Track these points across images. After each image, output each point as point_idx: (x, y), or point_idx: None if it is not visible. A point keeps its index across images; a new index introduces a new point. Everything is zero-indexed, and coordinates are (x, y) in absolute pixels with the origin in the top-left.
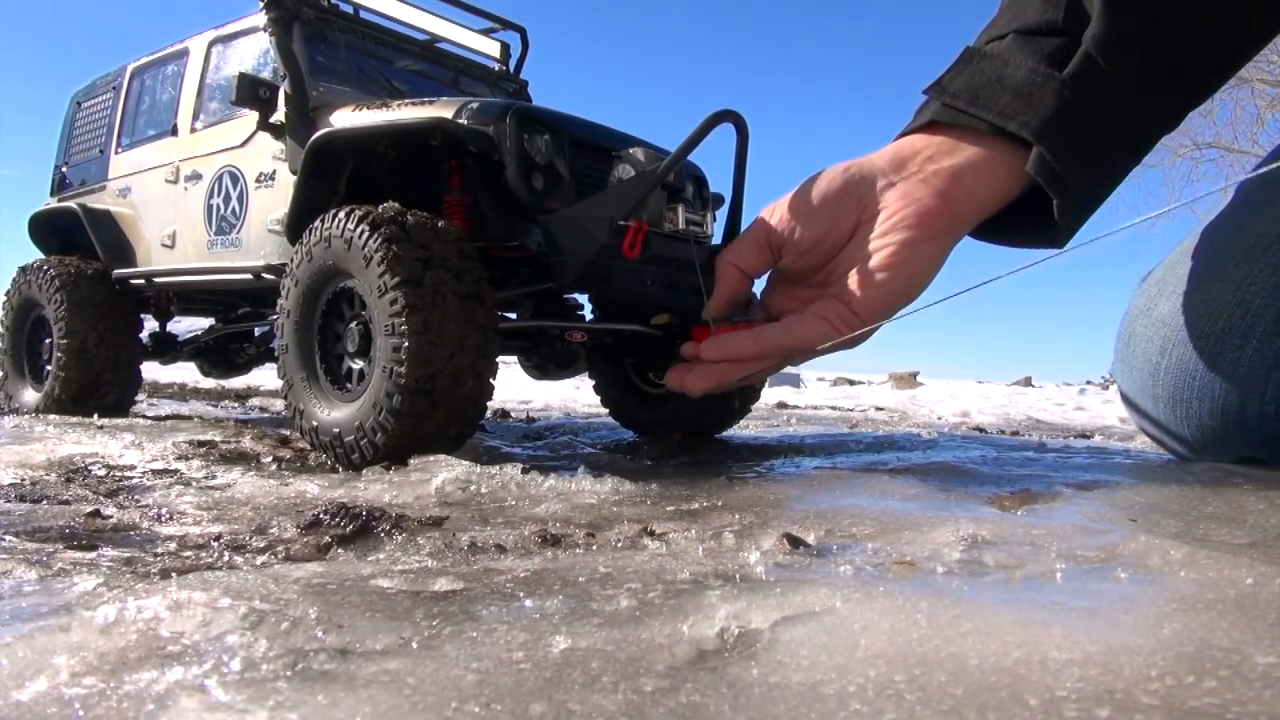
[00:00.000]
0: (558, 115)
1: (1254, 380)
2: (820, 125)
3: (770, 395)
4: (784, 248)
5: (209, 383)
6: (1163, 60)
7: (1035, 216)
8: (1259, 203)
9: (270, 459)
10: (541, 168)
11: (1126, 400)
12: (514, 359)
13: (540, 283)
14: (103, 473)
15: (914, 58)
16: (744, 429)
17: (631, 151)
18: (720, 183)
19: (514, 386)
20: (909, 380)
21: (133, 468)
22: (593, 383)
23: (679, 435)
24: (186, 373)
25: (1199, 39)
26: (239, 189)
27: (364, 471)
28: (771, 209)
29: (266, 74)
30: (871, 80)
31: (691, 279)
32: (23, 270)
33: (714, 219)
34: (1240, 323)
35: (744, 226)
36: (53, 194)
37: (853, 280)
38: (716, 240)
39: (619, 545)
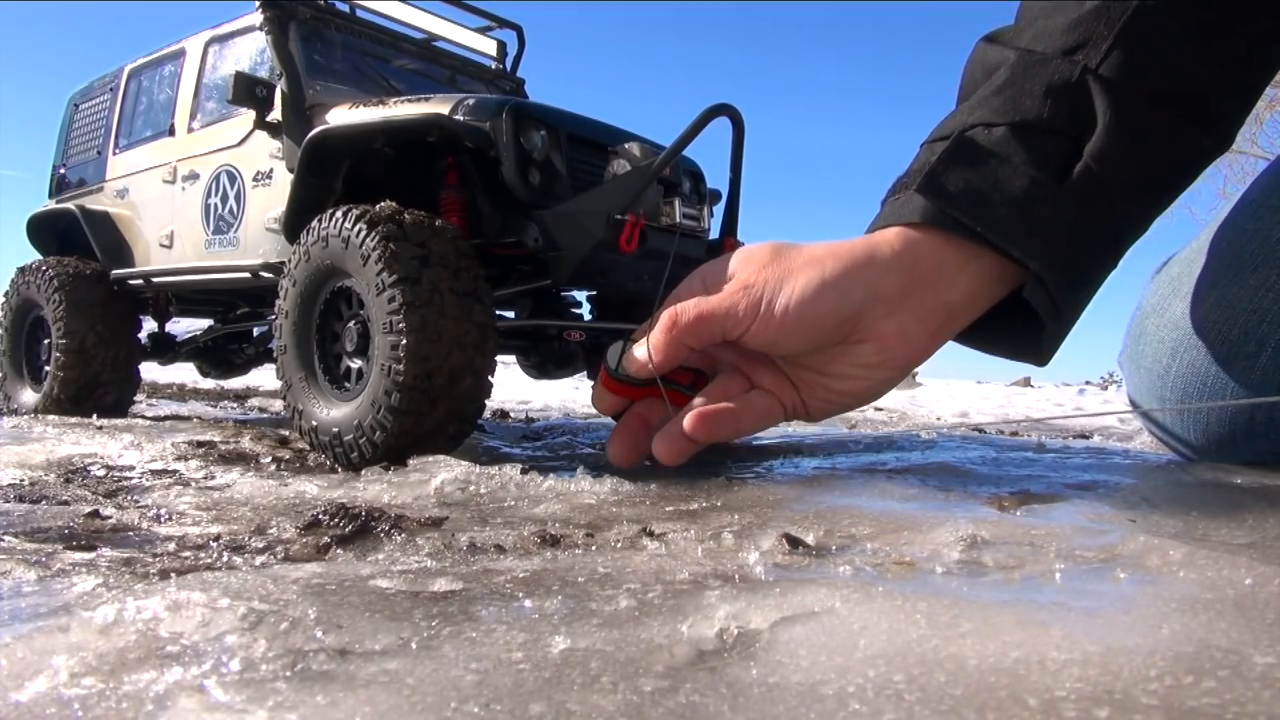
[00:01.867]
0: (554, 111)
1: (1266, 389)
2: (818, 120)
3: None
4: (747, 345)
5: (208, 383)
6: (1156, 175)
7: (1005, 318)
8: (1277, 204)
9: (269, 459)
10: (538, 163)
11: (1132, 398)
12: (512, 359)
13: (538, 280)
14: (102, 473)
15: (913, 52)
16: None
17: (627, 147)
18: (717, 178)
19: (513, 387)
20: (908, 380)
21: (132, 468)
22: (592, 383)
23: None
24: (185, 373)
25: (1189, 152)
26: (236, 188)
27: (363, 472)
28: (752, 308)
29: (263, 73)
30: (869, 73)
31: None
32: (21, 271)
33: (711, 214)
34: (1255, 330)
35: (741, 223)
36: (51, 195)
37: (818, 386)
38: (714, 235)
39: (618, 545)
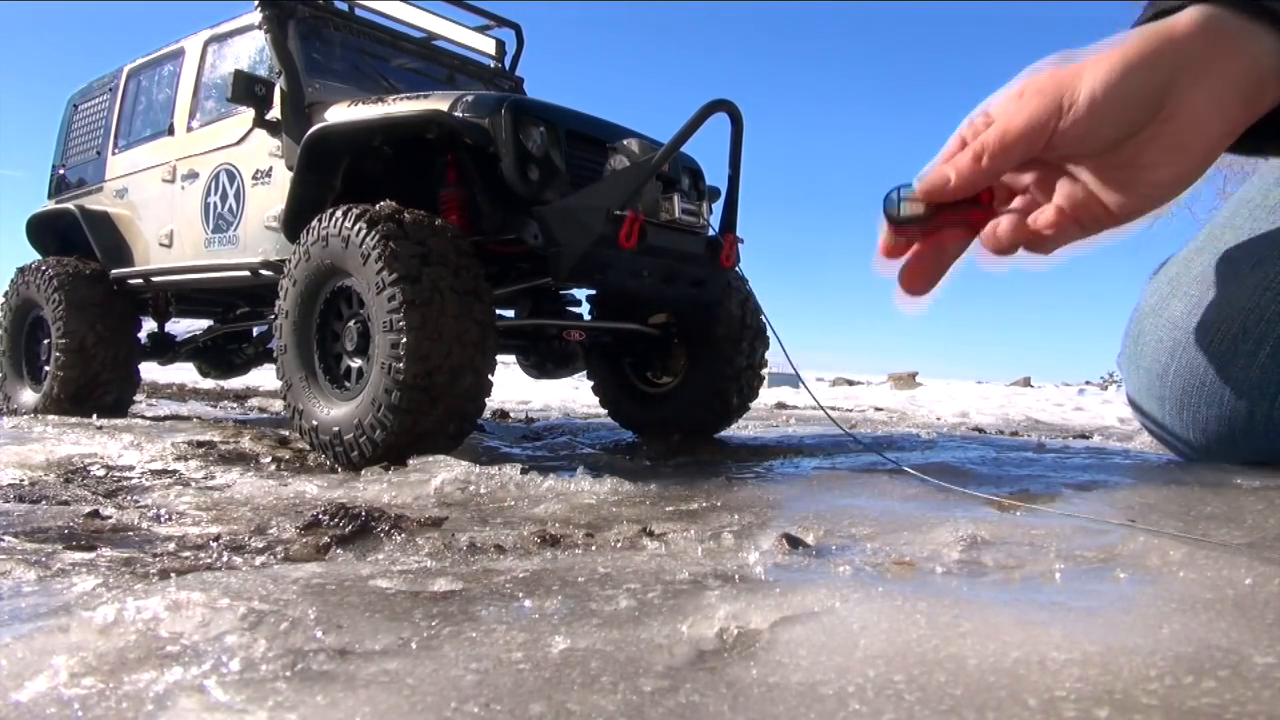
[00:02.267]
0: (552, 107)
1: (1265, 388)
2: (817, 116)
3: (769, 396)
4: (1057, 147)
5: (208, 383)
6: None
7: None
8: (1276, 202)
9: (269, 459)
10: (537, 160)
11: (1131, 399)
12: (512, 359)
13: (537, 278)
14: (102, 473)
15: (911, 49)
16: (743, 429)
17: (626, 143)
18: (716, 176)
19: (513, 387)
20: (908, 381)
21: (131, 468)
22: (591, 383)
23: (678, 435)
24: (185, 373)
25: None
26: (235, 187)
27: (363, 472)
28: (1055, 104)
29: (262, 72)
30: (869, 70)
31: (688, 269)
32: (21, 271)
33: (710, 211)
34: (1254, 329)
35: (740, 219)
36: (51, 196)
37: (1126, 183)
38: (713, 232)
39: (618, 546)
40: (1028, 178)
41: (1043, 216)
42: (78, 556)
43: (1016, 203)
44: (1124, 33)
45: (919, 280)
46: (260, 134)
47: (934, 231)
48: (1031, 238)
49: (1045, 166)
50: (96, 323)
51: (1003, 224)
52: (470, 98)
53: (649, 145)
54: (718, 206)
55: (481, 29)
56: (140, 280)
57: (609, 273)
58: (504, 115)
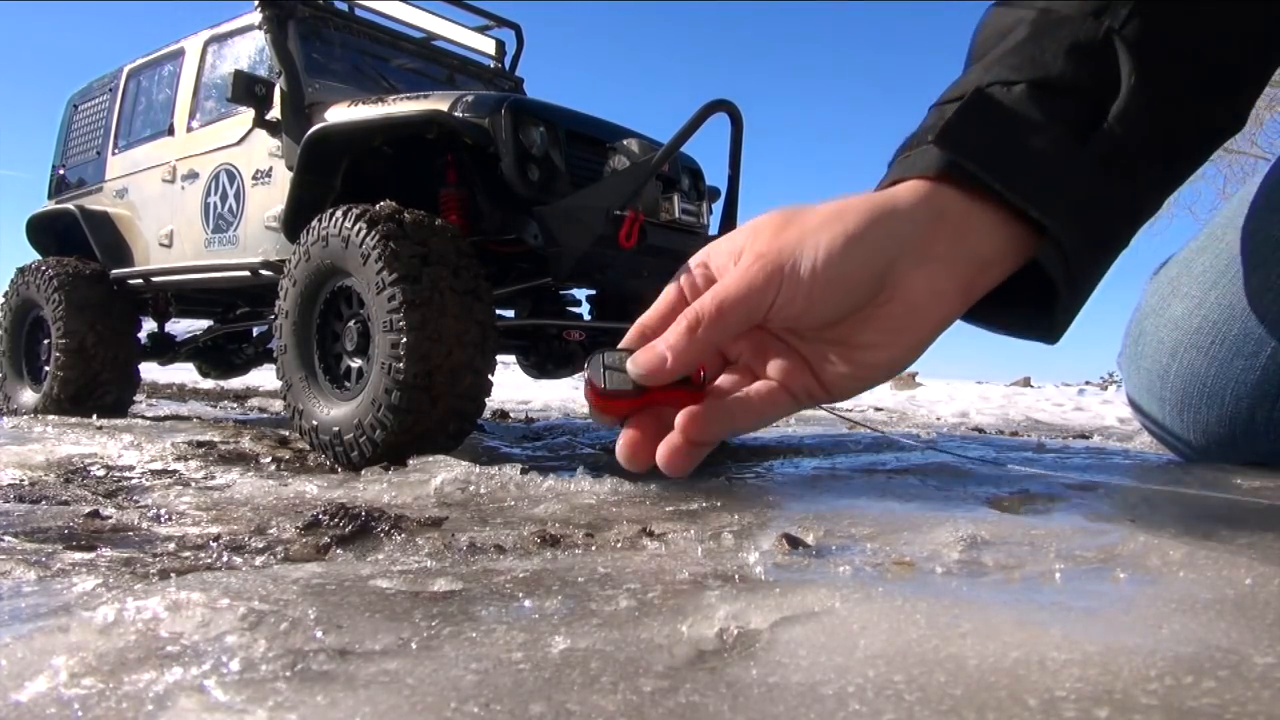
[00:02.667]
0: (552, 108)
1: (1265, 389)
2: (816, 114)
3: None
4: (772, 325)
5: (208, 383)
6: (1176, 143)
7: (1015, 294)
8: (1276, 204)
9: (269, 459)
10: (537, 160)
11: (1131, 399)
12: (512, 359)
13: (537, 278)
14: (101, 473)
15: (910, 47)
16: None
17: (626, 143)
18: (716, 178)
19: (513, 387)
20: (908, 381)
21: (131, 468)
22: None
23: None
24: (185, 373)
25: (1208, 123)
26: (235, 187)
27: (363, 472)
28: (774, 275)
29: (262, 72)
30: (868, 70)
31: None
32: (21, 271)
33: (710, 211)
34: (1255, 330)
35: (740, 219)
36: (51, 196)
37: (842, 362)
38: (713, 232)
39: (618, 546)
40: (743, 345)
41: (758, 395)
42: (78, 556)
43: (725, 381)
44: (852, 198)
45: (637, 452)
46: (260, 134)
47: (643, 404)
48: (740, 420)
49: (762, 333)
50: (96, 323)
51: (708, 414)
52: (470, 98)
53: (649, 145)
54: (717, 206)
55: (481, 29)
56: (140, 280)
57: (609, 273)
58: (504, 115)
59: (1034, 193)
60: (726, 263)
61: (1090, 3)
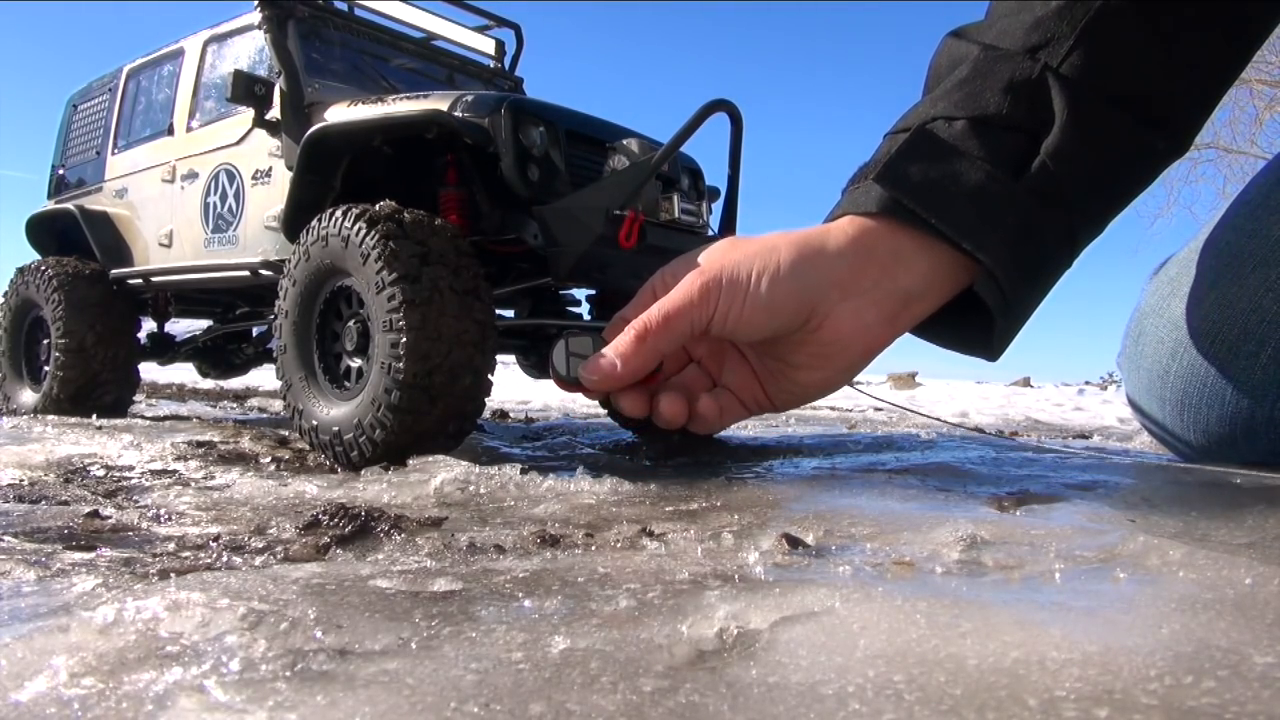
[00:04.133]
0: (552, 107)
1: (1266, 388)
2: (816, 114)
3: None
4: (712, 334)
5: (207, 383)
6: (1111, 175)
7: (959, 313)
8: (1277, 203)
9: (269, 459)
10: (537, 159)
11: (1131, 399)
12: (511, 359)
13: (537, 278)
14: (101, 473)
15: (911, 45)
16: (742, 429)
17: (625, 142)
18: (716, 177)
19: (512, 387)
20: (908, 381)
21: (131, 468)
22: None
23: (678, 435)
24: (185, 373)
25: (1144, 154)
26: (235, 187)
27: (363, 472)
28: (713, 289)
29: (262, 72)
30: (867, 70)
31: None
32: (20, 271)
33: (710, 210)
34: (1255, 329)
35: (740, 218)
36: (50, 196)
37: (782, 378)
38: (713, 232)
39: (618, 545)
40: (703, 349)
41: (706, 407)
42: (77, 556)
43: (689, 374)
44: (790, 234)
45: (642, 402)
46: (260, 134)
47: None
48: (696, 417)
49: (717, 343)
50: (96, 323)
51: (664, 402)
52: (470, 97)
53: (649, 145)
54: (718, 206)
55: (481, 29)
56: (140, 280)
57: (609, 272)
58: (504, 115)
59: (969, 229)
60: (677, 277)
61: (1032, 37)
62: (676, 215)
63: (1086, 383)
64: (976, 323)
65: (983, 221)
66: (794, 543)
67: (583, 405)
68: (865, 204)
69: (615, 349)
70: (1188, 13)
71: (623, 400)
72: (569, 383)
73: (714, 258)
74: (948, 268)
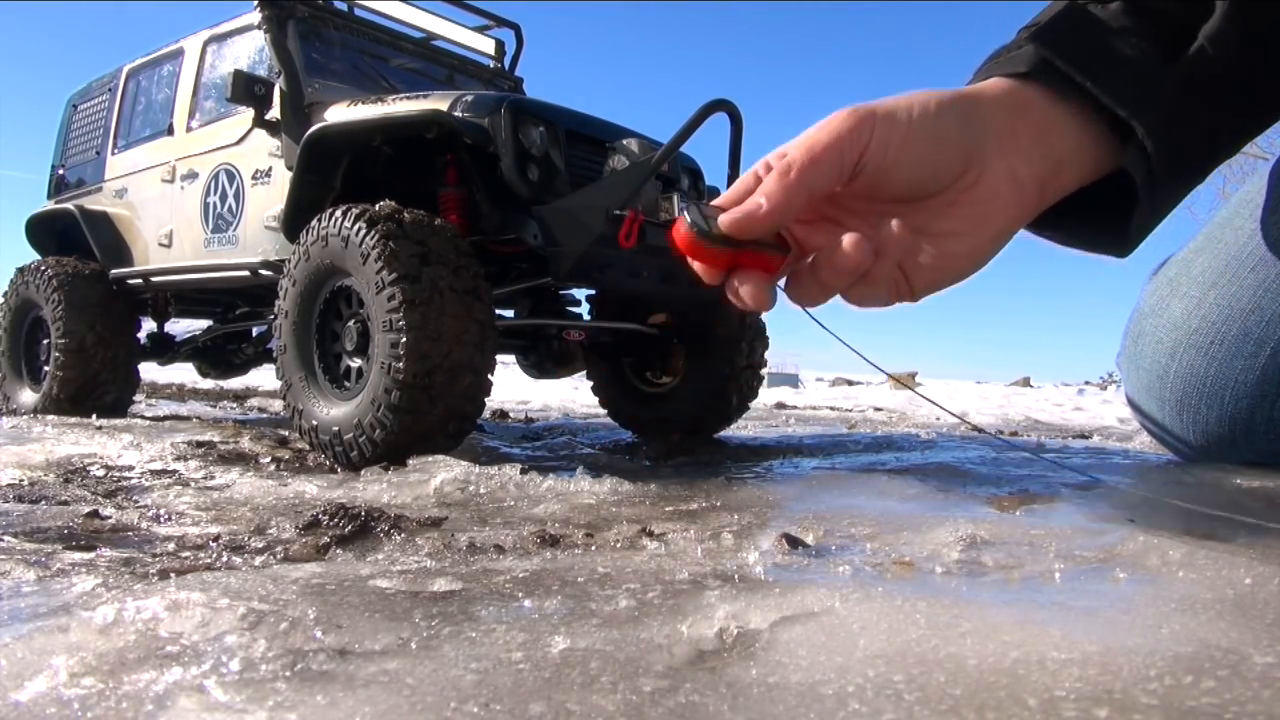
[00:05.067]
0: (552, 107)
1: (1265, 389)
2: (817, 115)
3: (768, 396)
4: (867, 172)
5: (207, 383)
6: (1258, 79)
7: (1092, 207)
8: (1276, 203)
9: (269, 459)
10: (536, 159)
11: (1131, 399)
12: (512, 359)
13: (537, 278)
14: (101, 473)
15: (913, 44)
16: (742, 429)
17: (625, 143)
18: (715, 176)
19: (512, 387)
20: (908, 380)
21: (131, 468)
22: (591, 383)
23: (677, 435)
24: (184, 373)
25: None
26: (235, 187)
27: (363, 472)
28: (866, 119)
29: (262, 72)
30: (867, 70)
31: (687, 270)
32: (20, 271)
33: None
34: (1254, 330)
35: None
36: (50, 196)
37: (924, 253)
38: None
39: (618, 546)
40: (822, 238)
41: (849, 250)
42: (77, 556)
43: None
44: (937, 90)
45: (764, 292)
46: (260, 134)
47: (729, 263)
48: (830, 280)
49: (851, 210)
50: (96, 323)
51: (808, 271)
52: (470, 97)
53: (649, 145)
54: None
55: (481, 29)
56: (140, 280)
57: (608, 272)
58: (503, 115)
59: (1124, 96)
60: (810, 130)
61: None
62: (676, 216)
63: (1086, 383)
64: (1109, 221)
65: (1138, 92)
66: (794, 543)
67: (582, 405)
68: (1017, 64)
69: (759, 193)
70: None
71: (746, 284)
72: (709, 242)
73: (855, 105)
74: (1096, 140)
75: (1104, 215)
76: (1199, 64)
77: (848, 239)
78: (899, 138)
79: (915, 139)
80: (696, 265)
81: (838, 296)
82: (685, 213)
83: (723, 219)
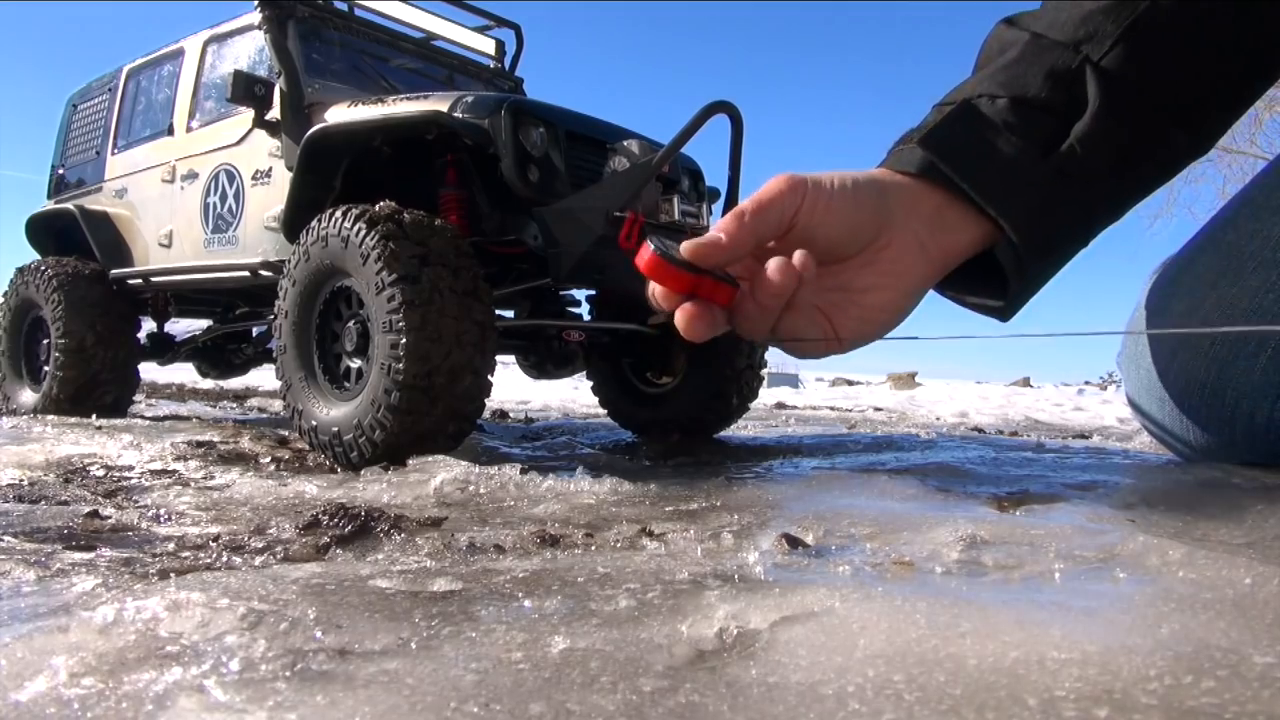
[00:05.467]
0: (552, 108)
1: (1266, 389)
2: (818, 119)
3: (768, 396)
4: (798, 228)
5: (207, 383)
6: (1133, 163)
7: (981, 275)
8: (1277, 203)
9: (269, 459)
10: (537, 160)
11: (1131, 399)
12: (511, 359)
13: (537, 279)
14: (101, 473)
15: (910, 48)
16: (742, 429)
17: (626, 144)
18: (716, 177)
19: (512, 387)
20: (907, 381)
21: (131, 468)
22: (591, 383)
23: (677, 435)
24: (184, 373)
25: (1168, 150)
26: (235, 187)
27: (362, 472)
28: (801, 185)
29: (262, 72)
30: (868, 71)
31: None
32: (20, 271)
33: (710, 212)
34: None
35: None
36: (50, 196)
37: (849, 305)
38: None
39: (617, 545)
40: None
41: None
42: (77, 556)
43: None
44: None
45: (706, 323)
46: (260, 134)
47: (689, 287)
48: (770, 303)
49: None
50: (96, 323)
51: (748, 298)
52: (470, 98)
53: (649, 146)
54: (717, 207)
55: (481, 29)
56: (140, 280)
57: (608, 274)
58: (504, 116)
59: (996, 196)
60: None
61: (1079, 30)
62: (676, 217)
63: (1086, 383)
64: (994, 286)
65: (1008, 191)
66: (794, 543)
67: (582, 405)
68: (906, 164)
69: (718, 228)
70: (1227, 23)
71: (688, 308)
72: (667, 263)
73: (793, 172)
74: (978, 224)
75: (987, 287)
76: (1069, 158)
77: (773, 262)
78: (824, 202)
79: (837, 204)
80: (657, 288)
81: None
82: (650, 240)
83: (684, 246)
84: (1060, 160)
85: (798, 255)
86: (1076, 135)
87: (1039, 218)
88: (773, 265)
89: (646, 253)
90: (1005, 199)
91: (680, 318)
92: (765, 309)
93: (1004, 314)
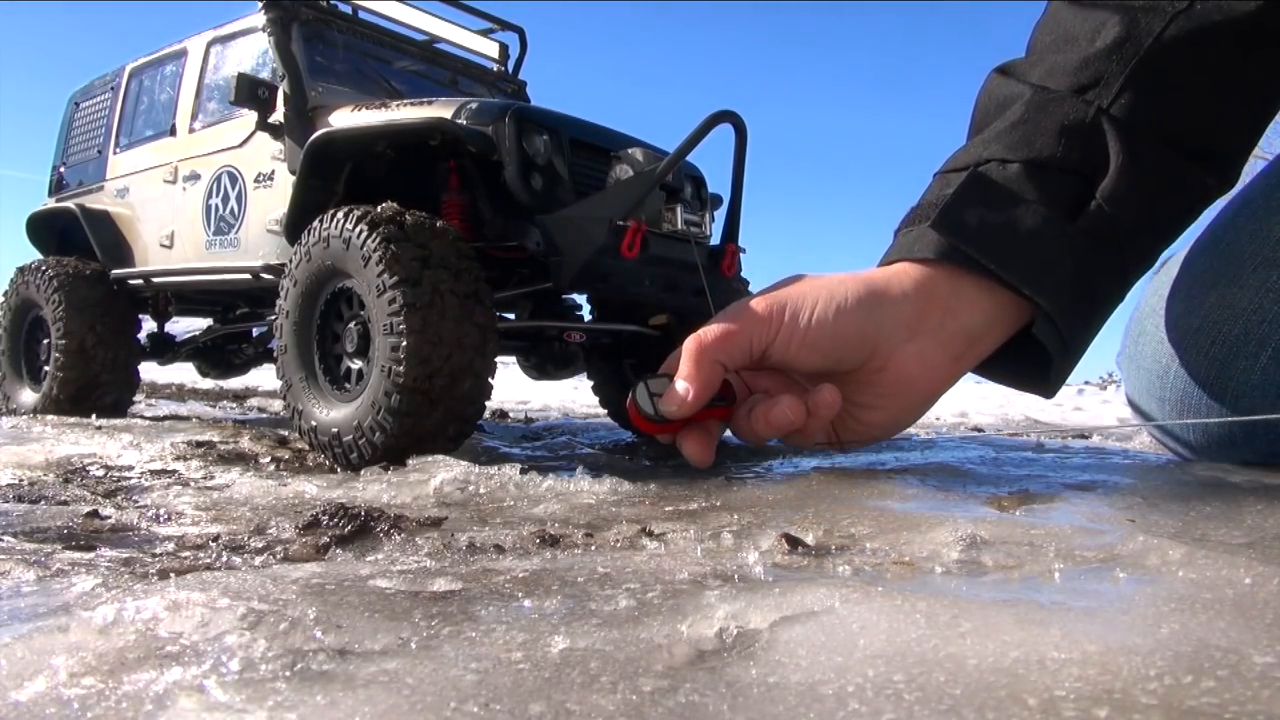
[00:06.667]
0: (556, 115)
1: (1266, 389)
2: (821, 126)
3: None
4: (774, 359)
5: (207, 383)
6: (1164, 214)
7: (1018, 349)
8: (1278, 204)
9: (268, 459)
10: (540, 168)
11: (1131, 399)
12: (512, 359)
13: (538, 283)
14: (101, 473)
15: (915, 50)
16: None
17: (630, 152)
18: (719, 184)
19: (512, 387)
20: None
21: (131, 468)
22: (591, 384)
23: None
24: (184, 373)
25: (1196, 192)
26: (238, 189)
27: (362, 472)
28: (776, 317)
29: (265, 74)
30: (874, 79)
31: (689, 279)
32: (20, 271)
33: (713, 219)
34: (1255, 330)
35: (742, 228)
36: (51, 195)
37: (846, 417)
38: (715, 241)
39: (617, 545)
40: (768, 382)
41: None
42: (77, 556)
43: (757, 398)
44: (854, 275)
45: (705, 450)
46: (263, 137)
47: (683, 426)
48: (764, 432)
49: (782, 379)
50: (96, 323)
51: (746, 417)
52: (474, 105)
53: (653, 154)
54: (720, 215)
55: (485, 32)
56: (140, 281)
57: (611, 281)
58: (507, 123)
59: (1028, 274)
60: (739, 308)
61: (1081, 76)
62: (680, 226)
63: (1086, 383)
64: (1033, 358)
65: (1041, 267)
66: (794, 543)
67: (582, 405)
68: (923, 250)
69: (679, 375)
70: (1234, 49)
71: (687, 445)
72: (656, 422)
73: (781, 287)
74: (1008, 308)
75: (1026, 361)
76: (1099, 221)
77: (786, 400)
78: (798, 339)
79: (814, 338)
80: (659, 436)
81: None
82: (635, 396)
83: (662, 409)
84: (1089, 223)
85: (824, 395)
86: (1103, 194)
87: (1077, 287)
88: (786, 403)
89: (634, 410)
90: (1040, 277)
91: (686, 453)
92: (760, 437)
93: (1049, 389)
